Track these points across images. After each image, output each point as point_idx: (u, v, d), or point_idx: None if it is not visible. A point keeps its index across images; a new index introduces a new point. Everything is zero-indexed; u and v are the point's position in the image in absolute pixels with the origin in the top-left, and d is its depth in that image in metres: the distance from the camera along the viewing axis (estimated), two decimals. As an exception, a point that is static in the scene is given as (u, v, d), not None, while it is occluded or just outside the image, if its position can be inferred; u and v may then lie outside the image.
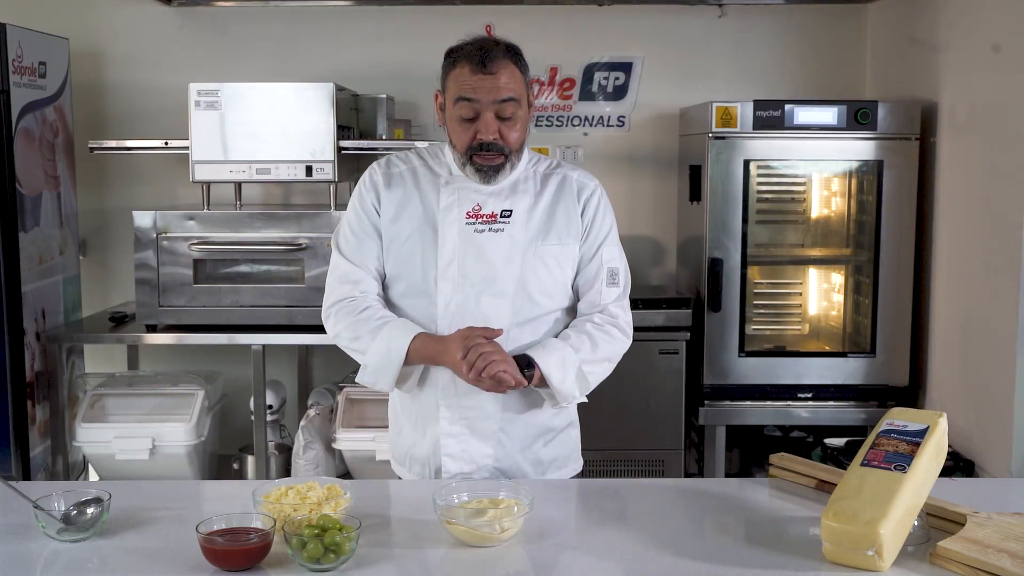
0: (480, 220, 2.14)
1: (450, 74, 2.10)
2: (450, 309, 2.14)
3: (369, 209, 2.20)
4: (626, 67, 4.42)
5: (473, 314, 2.13)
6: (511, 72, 2.07)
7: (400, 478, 2.31)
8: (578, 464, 2.33)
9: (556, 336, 2.19)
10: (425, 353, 2.11)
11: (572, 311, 2.27)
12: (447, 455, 2.18)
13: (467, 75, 2.05)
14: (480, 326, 2.09)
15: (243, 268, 3.72)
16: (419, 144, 3.63)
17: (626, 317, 2.26)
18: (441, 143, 2.26)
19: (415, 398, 2.22)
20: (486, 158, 2.10)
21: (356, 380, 2.19)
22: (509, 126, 2.09)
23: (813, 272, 4.18)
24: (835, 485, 1.75)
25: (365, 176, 2.24)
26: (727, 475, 3.99)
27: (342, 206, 3.80)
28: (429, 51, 4.36)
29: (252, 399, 3.81)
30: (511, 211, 2.16)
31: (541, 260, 2.17)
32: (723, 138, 3.78)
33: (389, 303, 2.23)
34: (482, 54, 2.05)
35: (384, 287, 2.23)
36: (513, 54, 2.10)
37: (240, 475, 3.99)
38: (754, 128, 3.76)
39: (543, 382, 2.11)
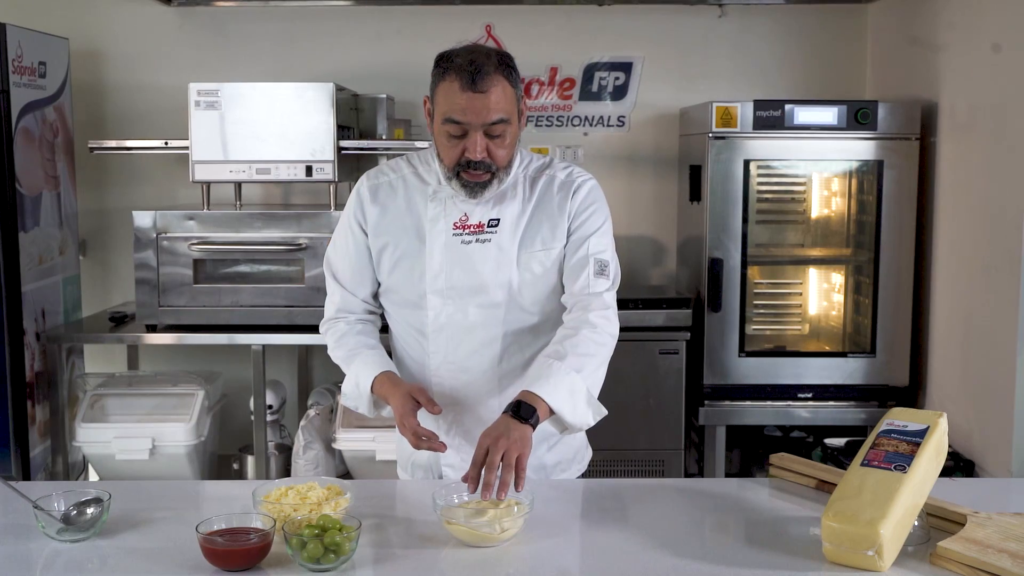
0: (467, 231, 2.10)
1: (439, 86, 2.01)
2: (440, 320, 2.12)
3: (353, 224, 2.19)
4: (626, 67, 4.42)
5: (463, 325, 2.11)
6: (502, 89, 1.98)
7: None
8: (582, 464, 2.30)
9: (545, 349, 2.05)
10: (381, 393, 2.10)
11: None
12: (446, 465, 2.17)
13: (456, 92, 1.96)
14: (423, 396, 2.02)
15: (243, 268, 3.72)
16: (419, 144, 3.64)
17: (611, 304, 2.11)
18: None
19: None
20: (473, 175, 2.04)
21: (341, 403, 2.20)
22: (498, 144, 2.02)
23: (813, 272, 4.18)
24: (835, 485, 1.74)
25: (354, 189, 2.23)
26: (727, 475, 3.99)
27: (342, 206, 3.76)
28: (429, 51, 4.37)
29: (252, 399, 3.81)
30: (499, 220, 2.11)
31: (528, 268, 2.11)
32: (723, 138, 3.78)
33: (387, 313, 2.24)
34: (473, 70, 1.95)
35: (380, 295, 2.23)
36: (505, 67, 2.00)
37: (240, 475, 3.99)
38: (754, 128, 3.75)
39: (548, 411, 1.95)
